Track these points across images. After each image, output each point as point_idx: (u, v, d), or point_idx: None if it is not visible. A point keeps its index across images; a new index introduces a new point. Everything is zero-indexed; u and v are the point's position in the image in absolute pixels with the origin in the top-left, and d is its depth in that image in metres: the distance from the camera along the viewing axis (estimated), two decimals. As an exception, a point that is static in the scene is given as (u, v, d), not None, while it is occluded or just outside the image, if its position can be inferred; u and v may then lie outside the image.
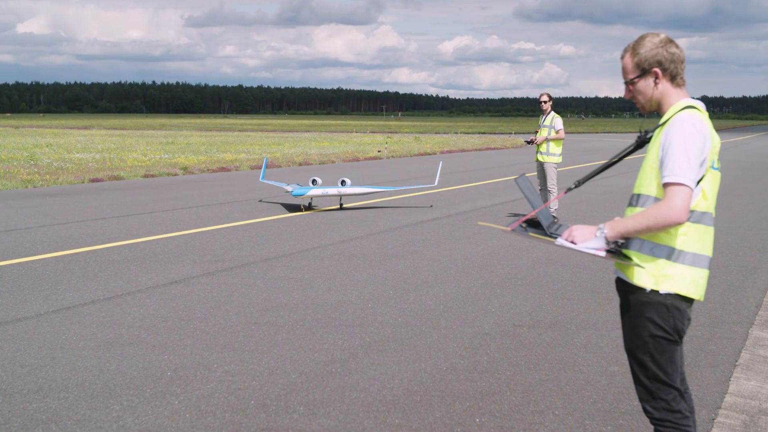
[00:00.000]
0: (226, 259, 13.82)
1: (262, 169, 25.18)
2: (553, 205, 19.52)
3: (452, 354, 8.57)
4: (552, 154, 19.50)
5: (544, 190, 19.53)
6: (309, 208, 21.02)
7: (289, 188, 21.27)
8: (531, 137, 20.15)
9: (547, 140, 19.50)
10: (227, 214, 19.66)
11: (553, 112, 19.64)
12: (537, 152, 19.84)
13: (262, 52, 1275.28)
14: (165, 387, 7.43)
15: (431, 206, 21.79)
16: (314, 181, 21.10)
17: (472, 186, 28.41)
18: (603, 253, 4.67)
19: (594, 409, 7.04)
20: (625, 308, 4.86)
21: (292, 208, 20.97)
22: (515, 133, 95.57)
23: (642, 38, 4.86)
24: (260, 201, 22.72)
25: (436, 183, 23.49)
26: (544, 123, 19.71)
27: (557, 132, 19.44)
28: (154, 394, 7.22)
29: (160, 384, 7.51)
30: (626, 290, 4.83)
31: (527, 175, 5.32)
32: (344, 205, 21.48)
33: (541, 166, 19.75)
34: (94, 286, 11.60)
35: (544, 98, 19.70)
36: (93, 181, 29.63)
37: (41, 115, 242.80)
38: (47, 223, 17.85)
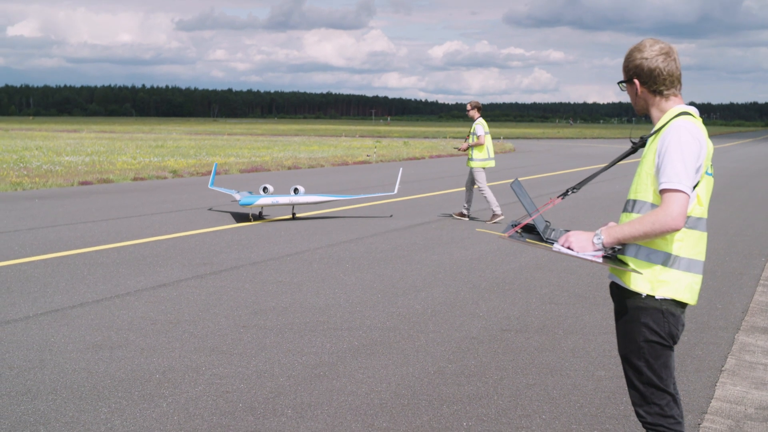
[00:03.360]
0: (215, 262, 13.83)
1: (211, 176, 23.92)
2: (494, 206, 20.21)
3: (440, 358, 8.60)
4: (475, 159, 20.53)
5: (470, 191, 20.64)
6: (259, 217, 19.70)
7: (237, 196, 19.77)
8: (465, 145, 20.97)
9: (470, 146, 20.51)
10: (216, 217, 19.66)
11: (477, 119, 20.65)
12: (468, 158, 20.82)
13: (252, 56, 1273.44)
14: (153, 389, 7.44)
15: (391, 216, 20.63)
16: (265, 189, 19.72)
17: (460, 191, 28.46)
18: (600, 259, 4.68)
19: (581, 413, 7.07)
20: (620, 313, 4.88)
21: (241, 217, 19.77)
22: (503, 138, 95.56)
23: (639, 44, 4.91)
24: (210, 209, 21.44)
25: (395, 191, 22.19)
26: (470, 130, 20.72)
27: (477, 138, 20.37)
28: (142, 397, 7.24)
29: (149, 386, 7.53)
30: (621, 295, 4.85)
31: (519, 179, 5.33)
32: (297, 215, 20.18)
33: (470, 171, 20.72)
34: (83, 289, 11.61)
35: (468, 107, 21.01)
36: (82, 184, 29.60)
37: (31, 118, 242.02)
38: (36, 226, 17.84)
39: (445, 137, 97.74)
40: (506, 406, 7.21)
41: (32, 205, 21.95)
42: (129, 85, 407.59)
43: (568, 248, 4.72)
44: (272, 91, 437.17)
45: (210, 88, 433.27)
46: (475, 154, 20.49)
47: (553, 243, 4.82)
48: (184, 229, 17.25)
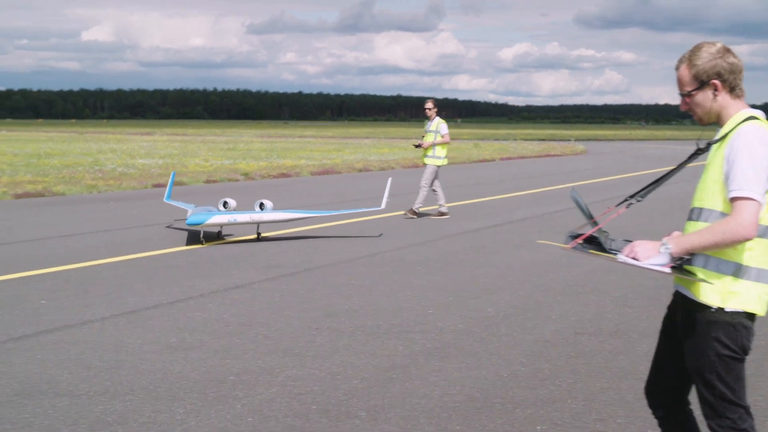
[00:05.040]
0: (286, 264, 13.91)
1: (168, 188, 20.59)
2: (418, 203, 20.92)
3: (513, 361, 8.56)
4: (437, 157, 21.27)
5: (437, 189, 21.25)
6: (219, 237, 16.84)
7: (190, 213, 16.82)
8: (419, 141, 21.52)
9: (433, 144, 21.10)
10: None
11: (438, 118, 21.33)
12: (424, 155, 21.45)
13: (322, 59, 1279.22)
14: (228, 391, 7.50)
15: (380, 235, 17.62)
16: (225, 204, 16.94)
17: (529, 193, 28.36)
18: (668, 270, 4.55)
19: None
20: (689, 326, 4.71)
21: (192, 238, 16.71)
22: (574, 140, 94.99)
23: (698, 48, 4.69)
24: (168, 227, 18.62)
25: (383, 206, 18.26)
26: (430, 128, 21.35)
27: (443, 136, 21.13)
28: (217, 398, 7.29)
29: (223, 388, 7.58)
30: (689, 307, 4.70)
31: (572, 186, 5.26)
32: (262, 234, 17.13)
33: (425, 167, 21.40)
34: (157, 291, 11.73)
35: (429, 105, 21.66)
36: (155, 186, 29.93)
37: (105, 121, 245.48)
38: (111, 228, 18.07)
39: (516, 139, 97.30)
40: (580, 409, 7.16)
41: (107, 208, 22.25)
42: (201, 88, 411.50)
43: (633, 258, 4.61)
44: (342, 93, 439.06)
45: (280, 91, 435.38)
46: (439, 151, 21.27)
47: (616, 253, 4.73)
48: (254, 231, 17.34)
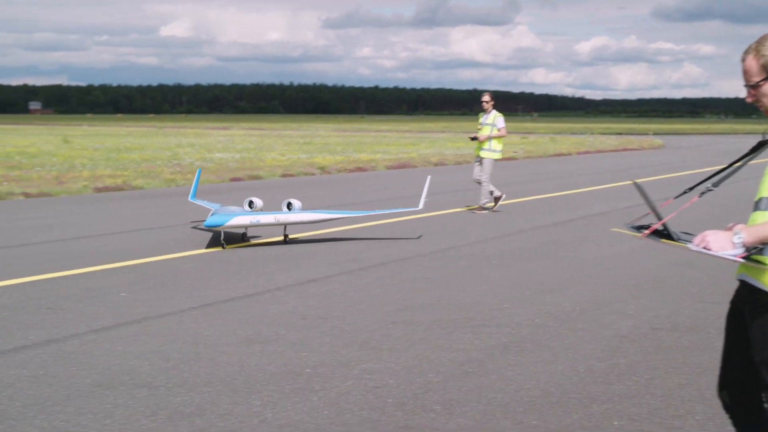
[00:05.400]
0: (362, 259, 13.95)
1: (193, 186, 19.68)
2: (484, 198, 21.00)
3: (589, 356, 8.51)
4: (494, 150, 21.13)
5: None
6: (243, 239, 15.91)
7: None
8: (475, 134, 21.40)
9: (489, 137, 20.95)
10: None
11: (495, 111, 21.11)
12: (479, 148, 21.22)
13: (398, 53, 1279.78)
14: (304, 383, 7.54)
15: (420, 237, 16.52)
16: (251, 204, 15.94)
17: (607, 187, 28.14)
18: (740, 259, 4.48)
19: (735, 414, 6.91)
20: (758, 318, 4.59)
21: (214, 241, 15.66)
22: (652, 134, 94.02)
23: (765, 38, 4.56)
24: (193, 227, 17.73)
25: (421, 206, 16.85)
26: (486, 121, 21.17)
27: (499, 130, 20.97)
28: (293, 391, 7.34)
29: (300, 380, 7.63)
30: (759, 298, 4.59)
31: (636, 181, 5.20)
32: (290, 236, 16.05)
33: (480, 161, 21.17)
34: (234, 284, 11.84)
35: (486, 98, 21.37)
36: (233, 180, 30.20)
37: (183, 115, 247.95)
38: (189, 221, 18.26)
39: (593, 133, 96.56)
40: (658, 405, 7.10)
41: (185, 201, 22.49)
42: (277, 82, 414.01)
43: (705, 248, 4.54)
44: (418, 87, 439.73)
45: (356, 86, 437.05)
46: (495, 144, 21.13)
47: (686, 242, 4.67)
48: (330, 226, 17.42)
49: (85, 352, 8.50)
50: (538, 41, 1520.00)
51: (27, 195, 24.42)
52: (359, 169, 36.41)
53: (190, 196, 19.17)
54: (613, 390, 7.48)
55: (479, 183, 21.10)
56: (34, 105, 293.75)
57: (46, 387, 7.37)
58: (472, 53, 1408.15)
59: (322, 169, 35.59)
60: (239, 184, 29.20)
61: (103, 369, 7.92)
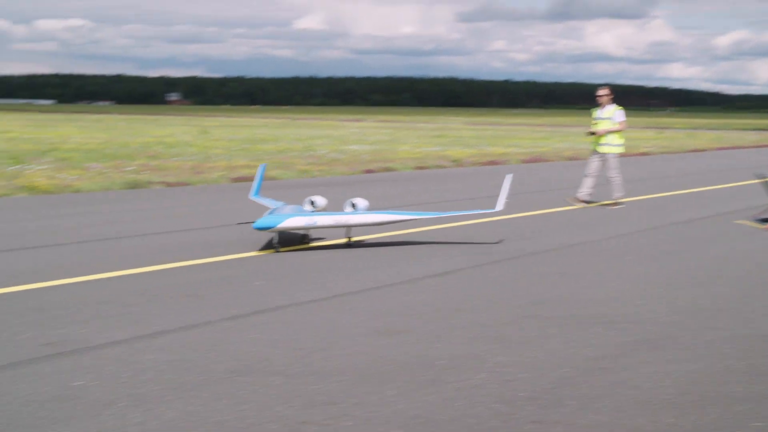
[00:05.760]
0: (494, 252, 13.89)
1: (256, 182, 17.59)
2: (617, 192, 20.66)
3: (728, 355, 8.31)
4: (615, 145, 20.67)
5: (593, 177, 20.72)
6: (303, 241, 14.55)
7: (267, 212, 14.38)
8: (592, 129, 20.90)
9: (608, 132, 20.52)
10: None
11: (614, 105, 20.63)
12: (597, 143, 20.80)
13: (531, 47, 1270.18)
14: (436, 375, 7.53)
15: (499, 241, 14.97)
16: (312, 204, 14.49)
17: (746, 184, 27.50)
18: None
19: None
20: None
21: (266, 243, 14.22)
22: None
23: None
24: (239, 223, 16.63)
25: (500, 207, 15.01)
26: (602, 115, 20.70)
27: (619, 124, 20.59)
28: (426, 382, 7.33)
29: (432, 372, 7.61)
30: None
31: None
32: (353, 239, 14.63)
33: (602, 157, 20.68)
34: (365, 275, 11.89)
35: (603, 92, 20.80)
36: (366, 172, 30.37)
37: (317, 107, 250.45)
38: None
39: (731, 129, 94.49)
40: (800, 408, 6.89)
41: (318, 192, 22.67)
42: (410, 75, 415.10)
43: None
44: (550, 81, 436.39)
45: (488, 79, 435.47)
46: (615, 139, 20.67)
47: None
48: (459, 219, 17.37)
49: (220, 339, 8.63)
50: (675, 35, 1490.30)
51: (167, 184, 24.97)
52: (492, 162, 36.26)
53: (252, 193, 17.18)
54: (752, 390, 7.28)
55: (608, 179, 20.73)
56: (173, 96, 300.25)
57: (183, 372, 7.51)
58: (606, 47, 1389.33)
59: (456, 161, 35.55)
60: (372, 176, 29.38)
61: (238, 356, 8.03)
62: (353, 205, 14.41)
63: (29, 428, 6.12)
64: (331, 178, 27.89)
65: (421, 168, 32.73)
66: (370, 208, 14.74)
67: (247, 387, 7.12)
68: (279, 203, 15.50)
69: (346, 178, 27.98)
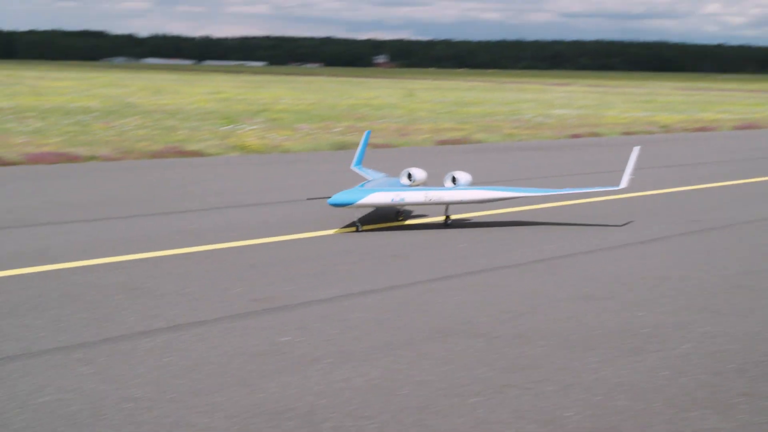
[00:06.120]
0: (705, 219, 13.57)
1: (359, 151, 15.83)
2: None
3: None
4: None
5: None
6: (397, 218, 13.39)
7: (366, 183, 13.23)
8: None
9: None
10: (707, 173, 19.21)
11: None
12: None
13: (747, 10, 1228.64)
14: (641, 344, 7.42)
15: (625, 224, 13.18)
16: (410, 176, 12.84)
17: None
18: None
19: None
20: None
21: (370, 219, 13.07)
22: None
23: None
24: (309, 198, 14.83)
25: (624, 185, 13.05)
26: None
27: None
28: (631, 350, 7.23)
29: (636, 340, 7.51)
30: None
31: None
32: (452, 217, 13.16)
33: None
34: (571, 240, 11.81)
35: None
36: (572, 137, 30.04)
37: (524, 71, 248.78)
38: (530, 177, 18.32)
39: None
40: None
41: (524, 156, 22.61)
42: (619, 39, 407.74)
43: None
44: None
45: (700, 43, 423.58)
46: None
47: None
48: (674, 185, 17.00)
49: (426, 300, 8.74)
50: None
51: (373, 146, 25.25)
52: (701, 129, 35.32)
53: (354, 162, 15.47)
54: None
55: None
56: (380, 58, 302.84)
57: (389, 330, 7.64)
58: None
59: (665, 127, 34.79)
60: (578, 141, 29.06)
61: (443, 317, 8.12)
62: (454, 180, 12.95)
63: (238, 380, 6.35)
64: (535, 143, 27.68)
65: (628, 134, 32.15)
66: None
67: (451, 348, 7.19)
68: (380, 174, 14.48)
69: (550, 143, 27.73)
